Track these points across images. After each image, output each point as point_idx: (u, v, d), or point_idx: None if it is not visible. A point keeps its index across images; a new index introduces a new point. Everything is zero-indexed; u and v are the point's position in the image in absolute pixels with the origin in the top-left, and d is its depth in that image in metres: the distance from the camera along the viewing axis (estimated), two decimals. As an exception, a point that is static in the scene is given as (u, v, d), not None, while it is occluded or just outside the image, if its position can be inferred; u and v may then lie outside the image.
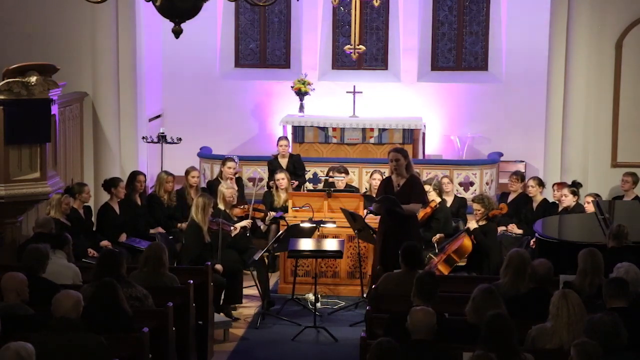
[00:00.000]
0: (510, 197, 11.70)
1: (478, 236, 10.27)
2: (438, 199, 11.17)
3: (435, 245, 10.79)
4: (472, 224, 10.47)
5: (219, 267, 9.75)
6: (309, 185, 13.71)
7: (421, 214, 10.66)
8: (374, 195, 11.64)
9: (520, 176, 11.82)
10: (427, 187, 10.93)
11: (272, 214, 11.38)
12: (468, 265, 10.55)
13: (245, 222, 10.72)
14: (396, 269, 8.06)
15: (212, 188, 12.16)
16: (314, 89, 15.70)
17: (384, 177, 10.27)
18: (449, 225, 11.14)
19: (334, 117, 15.40)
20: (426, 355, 5.86)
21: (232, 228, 10.37)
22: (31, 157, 9.65)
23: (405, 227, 9.46)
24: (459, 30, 16.42)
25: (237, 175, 12.66)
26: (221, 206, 10.72)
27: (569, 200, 11.03)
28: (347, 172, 12.25)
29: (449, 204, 11.51)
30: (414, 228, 9.72)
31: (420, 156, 15.03)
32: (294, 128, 15.19)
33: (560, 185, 11.64)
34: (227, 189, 11.07)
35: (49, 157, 9.93)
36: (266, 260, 10.58)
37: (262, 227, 11.30)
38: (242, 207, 11.21)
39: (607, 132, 13.07)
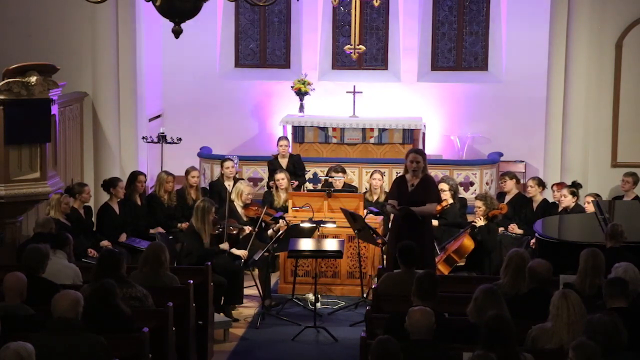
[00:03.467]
0: (507, 198, 11.69)
1: (483, 234, 10.24)
2: (450, 200, 11.12)
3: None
4: (479, 221, 10.46)
5: (225, 246, 9.99)
6: (309, 185, 13.71)
7: None
8: (376, 195, 11.69)
9: (510, 176, 11.79)
10: (444, 186, 10.92)
11: (280, 225, 11.16)
12: (467, 265, 10.55)
13: (241, 253, 10.30)
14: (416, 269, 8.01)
15: (214, 189, 12.17)
16: (314, 89, 15.70)
17: (398, 176, 10.20)
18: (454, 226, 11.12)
19: (334, 117, 15.40)
20: (426, 355, 5.86)
21: (240, 229, 10.36)
22: (31, 157, 9.66)
23: (421, 228, 9.45)
24: (459, 30, 16.43)
25: (237, 175, 12.66)
26: (236, 202, 10.77)
27: (568, 200, 11.02)
28: (344, 172, 12.26)
29: (449, 204, 11.51)
30: (429, 229, 9.70)
31: (420, 156, 15.02)
32: (294, 128, 15.19)
33: (560, 185, 11.63)
34: (246, 187, 11.12)
35: (49, 157, 9.94)
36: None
37: (270, 232, 11.28)
38: (255, 208, 11.20)
39: (607, 132, 13.08)
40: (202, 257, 9.66)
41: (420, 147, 15.17)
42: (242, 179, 12.31)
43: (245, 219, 11.06)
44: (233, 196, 11.11)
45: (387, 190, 12.45)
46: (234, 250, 10.26)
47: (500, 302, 6.32)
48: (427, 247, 9.42)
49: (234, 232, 10.34)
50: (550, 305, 6.15)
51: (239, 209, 11.07)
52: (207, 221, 9.80)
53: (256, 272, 10.59)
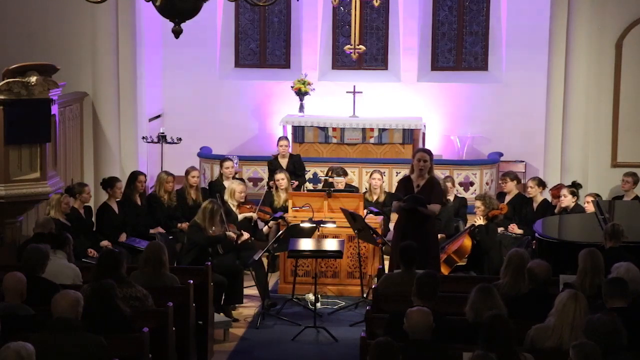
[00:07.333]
0: (507, 198, 11.68)
1: (481, 234, 10.25)
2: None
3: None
4: (478, 221, 10.47)
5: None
6: (309, 185, 13.71)
7: None
8: (376, 195, 11.71)
9: (511, 177, 11.78)
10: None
11: (273, 222, 11.25)
12: (468, 265, 10.55)
13: (250, 214, 10.67)
14: (417, 269, 8.01)
15: (213, 189, 12.16)
16: (314, 89, 15.70)
17: (403, 177, 10.23)
18: (450, 225, 11.12)
19: (334, 117, 15.41)
20: (426, 355, 5.86)
21: (240, 234, 10.36)
22: (31, 157, 9.66)
23: (424, 227, 9.45)
24: (459, 30, 16.42)
25: (237, 175, 12.66)
26: (230, 202, 10.77)
27: (567, 200, 11.00)
28: (345, 174, 12.28)
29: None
30: (433, 229, 9.71)
31: (420, 156, 15.01)
32: (294, 128, 15.19)
33: (556, 190, 11.56)
34: (238, 185, 11.13)
35: (49, 157, 9.94)
36: (266, 260, 10.58)
37: (264, 229, 11.28)
38: (249, 206, 11.21)
39: (607, 132, 13.08)
40: (207, 245, 9.70)
41: (421, 147, 15.21)
42: (239, 179, 12.31)
43: (240, 218, 11.07)
44: (226, 196, 11.11)
45: (387, 190, 12.49)
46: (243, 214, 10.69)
47: (495, 299, 6.33)
48: (431, 248, 9.44)
49: (234, 236, 10.35)
50: (556, 300, 6.13)
51: (233, 209, 11.07)
52: (213, 222, 9.83)
53: (255, 272, 10.57)
